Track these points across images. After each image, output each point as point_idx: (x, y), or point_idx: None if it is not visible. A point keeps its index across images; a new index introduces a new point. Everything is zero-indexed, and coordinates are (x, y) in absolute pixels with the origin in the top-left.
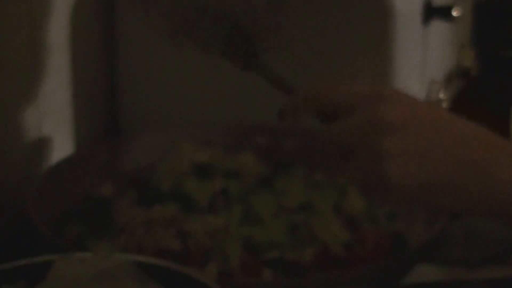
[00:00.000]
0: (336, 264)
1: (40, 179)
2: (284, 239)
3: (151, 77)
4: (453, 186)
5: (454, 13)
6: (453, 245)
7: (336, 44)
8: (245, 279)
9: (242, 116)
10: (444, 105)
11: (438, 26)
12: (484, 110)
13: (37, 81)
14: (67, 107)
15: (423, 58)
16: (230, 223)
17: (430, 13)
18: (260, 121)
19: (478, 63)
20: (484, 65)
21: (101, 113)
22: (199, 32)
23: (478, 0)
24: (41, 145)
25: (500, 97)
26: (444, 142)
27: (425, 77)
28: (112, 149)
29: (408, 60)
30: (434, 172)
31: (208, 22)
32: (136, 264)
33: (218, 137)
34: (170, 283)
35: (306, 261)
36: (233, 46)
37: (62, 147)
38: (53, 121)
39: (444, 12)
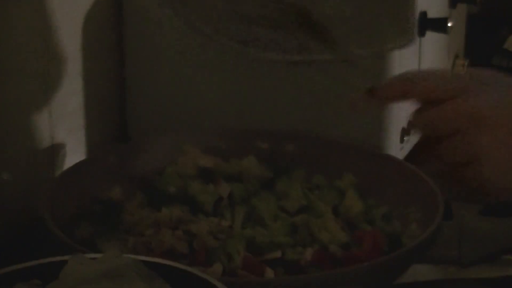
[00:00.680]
0: (335, 264)
1: (53, 183)
2: (285, 239)
3: (158, 85)
4: None
5: (448, 24)
6: (447, 246)
7: None
8: (248, 278)
9: (245, 122)
10: None
11: (433, 36)
12: None
13: (50, 88)
14: (79, 114)
15: (418, 67)
16: (233, 225)
17: (426, 24)
18: (262, 126)
19: None
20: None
21: (111, 119)
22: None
23: (471, 12)
24: (54, 150)
25: None
26: None
27: None
28: (122, 154)
29: (404, 69)
30: None
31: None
32: (143, 264)
33: (222, 142)
34: (177, 282)
35: (306, 260)
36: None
37: (74, 152)
38: (65, 127)
39: (438, 23)
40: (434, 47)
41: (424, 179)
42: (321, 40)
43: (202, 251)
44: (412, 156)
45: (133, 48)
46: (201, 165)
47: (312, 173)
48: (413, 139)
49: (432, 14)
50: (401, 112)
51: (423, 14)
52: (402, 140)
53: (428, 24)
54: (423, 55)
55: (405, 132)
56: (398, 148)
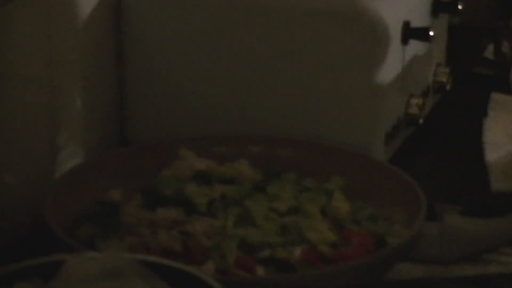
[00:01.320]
0: (323, 262)
1: (54, 186)
2: (275, 239)
3: (156, 91)
4: None
5: (431, 33)
6: (430, 245)
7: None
8: (240, 276)
9: (238, 126)
10: (422, 117)
11: (416, 45)
12: (457, 122)
13: (51, 93)
14: (78, 118)
15: (403, 74)
16: (226, 225)
17: (409, 33)
18: (254, 131)
19: (453, 79)
20: (458, 80)
21: (110, 125)
22: None
23: (453, 22)
24: (55, 153)
25: (473, 110)
26: None
27: (405, 92)
28: (120, 158)
29: (389, 76)
30: None
31: None
32: (141, 263)
33: (216, 146)
34: (173, 279)
35: (296, 259)
36: None
37: (74, 155)
38: (65, 132)
39: (421, 32)
40: (417, 55)
41: (408, 181)
42: None
43: (196, 250)
44: None
45: (131, 54)
46: (196, 168)
47: (302, 176)
48: (395, 144)
49: (415, 23)
50: (386, 118)
51: (406, 23)
52: (386, 144)
53: (411, 33)
54: (406, 63)
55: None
56: (383, 151)
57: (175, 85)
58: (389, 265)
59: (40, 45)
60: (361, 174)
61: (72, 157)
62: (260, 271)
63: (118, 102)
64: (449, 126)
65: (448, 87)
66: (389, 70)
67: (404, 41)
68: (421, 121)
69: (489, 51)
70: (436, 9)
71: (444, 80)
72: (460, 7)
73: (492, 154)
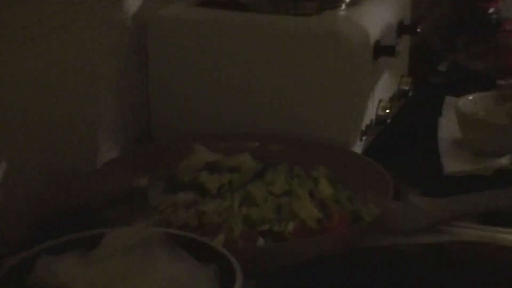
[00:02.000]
0: (311, 234)
1: (96, 174)
2: (272, 216)
3: (174, 100)
4: None
5: (396, 51)
6: (396, 219)
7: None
8: (244, 245)
9: (241, 127)
10: (389, 117)
11: (385, 60)
12: (418, 121)
13: (93, 104)
14: (114, 122)
15: (373, 83)
16: (233, 205)
17: (379, 50)
18: (254, 130)
19: (413, 87)
20: (417, 88)
21: (139, 125)
22: None
23: (414, 41)
24: (96, 149)
25: (430, 111)
26: None
27: (375, 98)
28: (147, 152)
29: (363, 85)
30: None
31: None
32: (165, 235)
33: (224, 142)
34: (190, 248)
35: (289, 232)
36: None
37: (110, 151)
38: (104, 132)
39: (389, 50)
40: (385, 68)
41: (379, 169)
42: None
43: (209, 225)
44: None
45: (155, 70)
46: (207, 160)
47: (293, 166)
48: (368, 140)
49: (384, 42)
50: (361, 119)
51: (377, 42)
52: (361, 139)
53: (381, 50)
54: (377, 76)
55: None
56: (358, 145)
57: (190, 93)
58: (364, 236)
59: (83, 63)
60: (341, 164)
61: (109, 151)
62: (260, 241)
63: (145, 108)
64: (411, 124)
65: (410, 94)
66: (363, 80)
67: (375, 56)
68: (388, 121)
69: (441, 65)
70: (400, 31)
71: (407, 88)
72: (419, 30)
73: (445, 145)
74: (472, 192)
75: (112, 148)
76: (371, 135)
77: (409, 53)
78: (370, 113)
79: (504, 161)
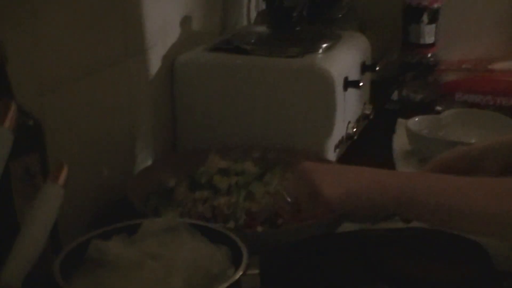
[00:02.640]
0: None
1: (135, 176)
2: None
3: (194, 121)
4: (355, 191)
5: (360, 84)
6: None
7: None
8: (248, 231)
9: (245, 140)
10: (356, 135)
11: (352, 91)
12: (377, 137)
13: (132, 122)
14: (148, 136)
15: (344, 109)
16: (238, 200)
17: (347, 84)
18: (255, 143)
19: (374, 112)
20: (377, 112)
21: (167, 139)
22: None
23: (373, 77)
24: (135, 158)
25: (386, 130)
26: (347, 174)
27: (346, 120)
28: (174, 159)
29: (336, 110)
30: (345, 187)
31: None
32: (188, 223)
33: (232, 152)
34: (207, 234)
35: (282, 221)
36: None
37: (146, 159)
38: (140, 144)
39: (354, 83)
40: (352, 97)
41: None
42: None
43: (220, 216)
44: None
45: (180, 97)
46: (220, 166)
47: (285, 170)
48: (341, 151)
49: (351, 78)
50: (335, 135)
51: (346, 78)
52: (335, 151)
53: (349, 84)
54: (346, 103)
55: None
56: (333, 155)
57: (206, 116)
58: (339, 223)
59: (128, 94)
60: None
61: (145, 159)
62: (259, 228)
63: (172, 126)
64: (373, 140)
65: (371, 117)
66: (336, 106)
67: (345, 88)
68: (355, 137)
69: (394, 95)
70: (363, 69)
71: (369, 112)
72: (377, 68)
73: (398, 155)
74: None
75: (146, 157)
76: (342, 148)
77: (370, 86)
78: (342, 131)
79: None
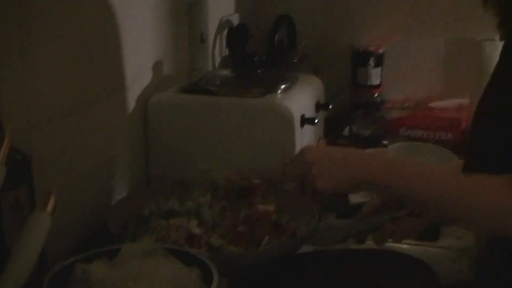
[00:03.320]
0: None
1: (113, 206)
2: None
3: (165, 155)
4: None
5: (315, 121)
6: (320, 234)
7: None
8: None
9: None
10: None
11: (308, 127)
12: None
13: (109, 162)
14: (124, 171)
15: (301, 142)
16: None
17: (303, 121)
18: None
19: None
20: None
21: (140, 173)
22: None
23: (327, 114)
24: (111, 190)
25: None
26: (338, 164)
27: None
28: (148, 190)
29: (295, 143)
30: (335, 177)
31: None
32: (163, 248)
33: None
34: (181, 257)
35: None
36: None
37: (122, 191)
38: (117, 176)
39: (310, 120)
40: (309, 133)
41: (308, 202)
42: None
43: (194, 241)
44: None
45: (153, 135)
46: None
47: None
48: None
49: (307, 115)
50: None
51: (303, 115)
52: None
53: (305, 121)
54: (303, 138)
55: None
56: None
57: (176, 150)
58: (299, 246)
59: (104, 132)
60: (283, 198)
61: (121, 190)
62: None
63: (146, 160)
64: None
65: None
66: (295, 140)
67: (302, 125)
68: None
69: (345, 131)
70: (317, 108)
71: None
72: (330, 107)
73: None
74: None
75: (123, 188)
76: None
77: (324, 123)
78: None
79: None
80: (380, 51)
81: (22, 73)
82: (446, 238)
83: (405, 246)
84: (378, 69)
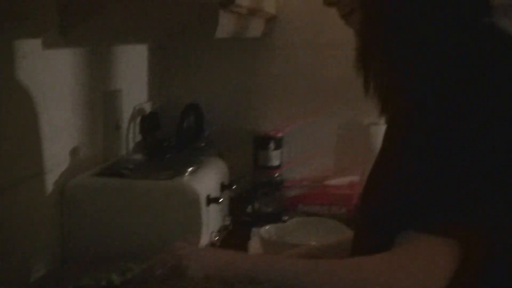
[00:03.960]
0: None
1: (30, 285)
2: None
3: (81, 236)
4: (212, 273)
5: (220, 200)
6: None
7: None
8: None
9: (124, 248)
10: (218, 242)
11: (214, 206)
12: (236, 243)
13: (30, 237)
14: (42, 250)
15: (208, 220)
16: None
17: (210, 200)
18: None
19: (232, 222)
20: (234, 223)
21: (59, 252)
22: None
23: (231, 194)
24: (30, 268)
25: (243, 238)
26: (208, 257)
27: (209, 230)
28: (64, 270)
29: (201, 221)
30: (205, 268)
31: None
32: None
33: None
34: None
35: None
36: None
37: (39, 270)
38: (35, 257)
39: (216, 200)
40: (214, 211)
41: None
42: None
43: None
44: None
45: (69, 217)
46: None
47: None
48: None
49: (212, 195)
50: (201, 242)
51: (208, 195)
52: None
53: (211, 200)
54: (209, 216)
55: None
56: None
57: (92, 230)
58: None
59: (23, 214)
60: None
61: (39, 270)
62: None
63: (63, 240)
64: (232, 247)
65: (230, 227)
66: (201, 218)
67: (208, 204)
68: (218, 244)
69: (249, 208)
70: (222, 188)
71: (228, 223)
72: (233, 187)
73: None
74: None
75: (41, 268)
76: None
77: (228, 201)
78: (206, 239)
79: None
80: (280, 135)
81: None
82: None
83: None
84: (278, 152)
